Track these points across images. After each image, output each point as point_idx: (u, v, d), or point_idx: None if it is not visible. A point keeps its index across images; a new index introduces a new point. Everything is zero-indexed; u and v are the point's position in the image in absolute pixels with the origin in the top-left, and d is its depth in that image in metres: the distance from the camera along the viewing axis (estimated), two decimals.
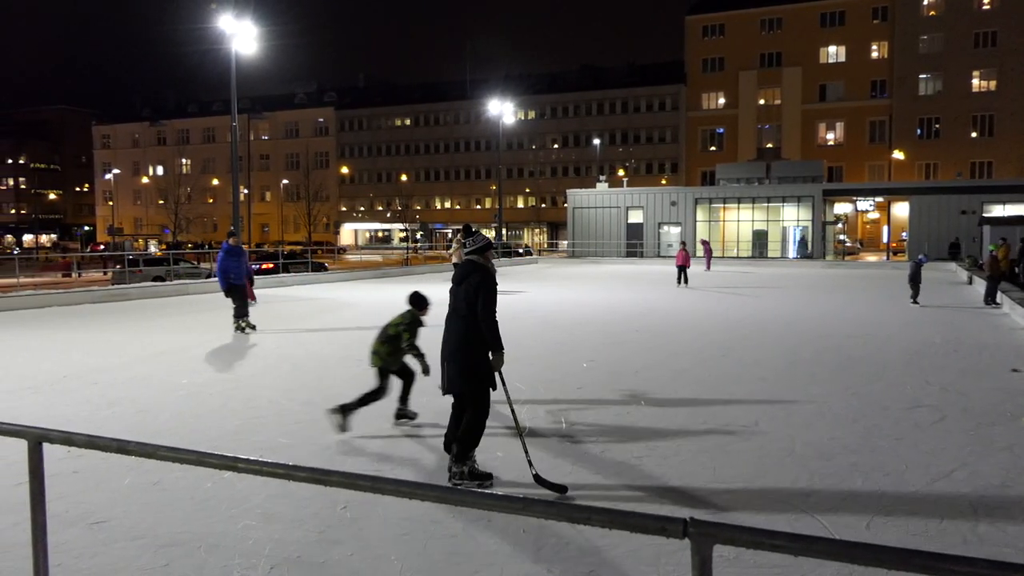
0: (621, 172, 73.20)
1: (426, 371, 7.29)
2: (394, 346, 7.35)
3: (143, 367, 10.64)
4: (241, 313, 14.07)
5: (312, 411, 8.01)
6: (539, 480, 5.56)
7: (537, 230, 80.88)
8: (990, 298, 18.41)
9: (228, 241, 14.33)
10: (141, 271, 28.70)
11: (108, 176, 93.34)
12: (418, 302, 7.63)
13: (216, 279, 14.72)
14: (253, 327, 14.16)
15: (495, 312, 5.71)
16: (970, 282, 25.83)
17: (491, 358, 5.70)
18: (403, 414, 7.67)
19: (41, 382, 9.59)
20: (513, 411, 6.00)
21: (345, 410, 6.98)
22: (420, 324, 7.54)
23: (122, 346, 12.59)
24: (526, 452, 5.76)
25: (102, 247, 73.33)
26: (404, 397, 7.62)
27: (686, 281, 24.88)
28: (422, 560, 4.44)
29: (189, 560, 4.44)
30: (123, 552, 4.55)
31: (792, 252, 45.18)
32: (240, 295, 13.95)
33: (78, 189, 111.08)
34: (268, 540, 4.70)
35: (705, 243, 36.50)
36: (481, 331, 5.66)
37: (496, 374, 5.77)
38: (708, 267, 34.36)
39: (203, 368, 10.55)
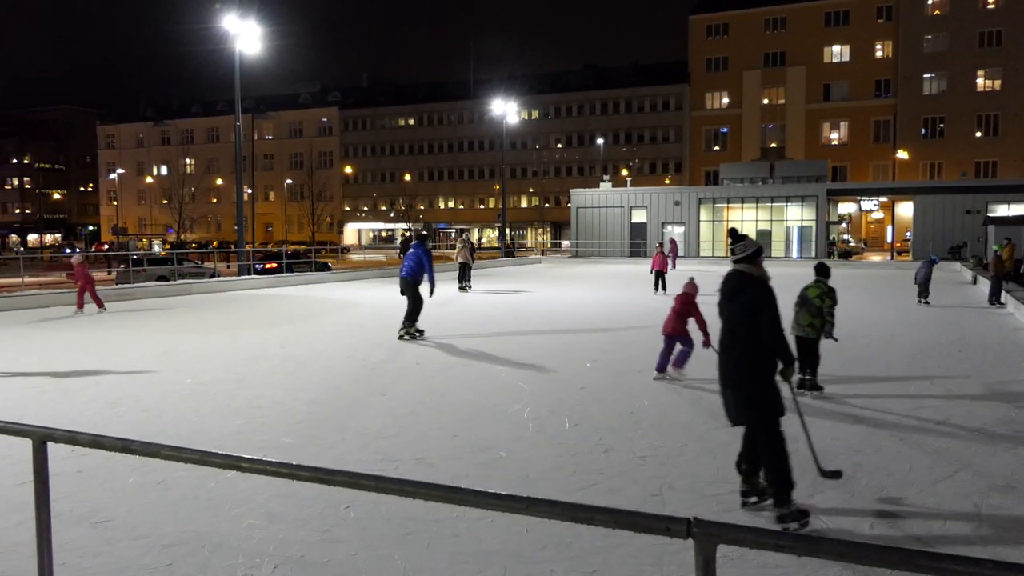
0: (625, 172, 73.15)
1: (829, 334, 8.60)
2: (820, 316, 8.54)
3: (147, 366, 10.66)
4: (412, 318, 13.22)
5: (316, 411, 8.02)
6: (824, 474, 5.44)
7: (540, 230, 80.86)
8: (995, 298, 18.37)
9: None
10: (145, 271, 28.74)
11: (112, 176, 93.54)
12: (825, 271, 8.95)
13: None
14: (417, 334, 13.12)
15: (780, 329, 5.04)
16: (974, 282, 25.77)
17: (781, 372, 5.13)
18: (813, 384, 8.65)
19: (45, 381, 9.62)
20: (801, 417, 5.58)
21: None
22: (833, 290, 8.76)
23: (126, 345, 12.62)
24: (813, 454, 5.48)
25: (106, 247, 73.47)
26: (813, 368, 8.71)
27: (664, 287, 21.62)
28: (425, 560, 4.44)
29: (193, 559, 4.44)
30: (127, 551, 4.56)
31: (795, 252, 45.11)
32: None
33: (82, 189, 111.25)
34: (272, 539, 4.70)
35: (673, 242, 35.73)
36: (761, 355, 5.02)
37: (786, 384, 5.24)
38: (673, 266, 32.57)
39: (207, 367, 10.56)
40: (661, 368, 9.65)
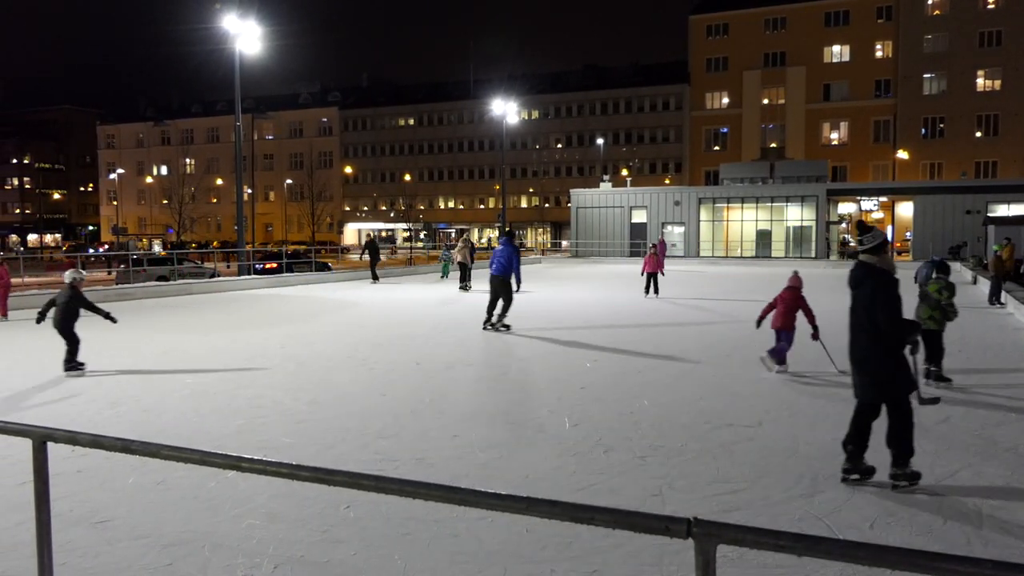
0: (625, 172, 73.16)
1: (950, 318, 8.99)
2: (939, 308, 8.96)
3: (147, 366, 10.66)
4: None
5: (316, 411, 8.02)
6: (923, 401, 6.04)
7: (540, 230, 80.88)
8: (994, 298, 18.37)
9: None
10: (145, 271, 28.73)
11: (112, 176, 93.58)
12: (945, 268, 9.32)
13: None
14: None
15: (899, 321, 5.43)
16: (975, 282, 25.77)
17: (908, 348, 5.59)
18: (938, 377, 9.13)
19: (45, 382, 9.62)
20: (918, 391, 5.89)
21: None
22: (952, 284, 9.18)
23: (126, 345, 12.62)
24: (918, 388, 5.79)
25: (106, 247, 73.48)
26: (937, 360, 9.20)
27: (656, 291, 20.68)
28: (425, 560, 4.44)
29: (193, 559, 4.44)
30: (127, 551, 4.56)
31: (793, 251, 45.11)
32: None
33: (82, 189, 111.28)
34: (272, 539, 4.70)
35: (662, 242, 34.42)
36: (886, 340, 5.44)
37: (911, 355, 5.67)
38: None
39: (207, 367, 10.57)
40: (781, 361, 10.01)
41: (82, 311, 10.16)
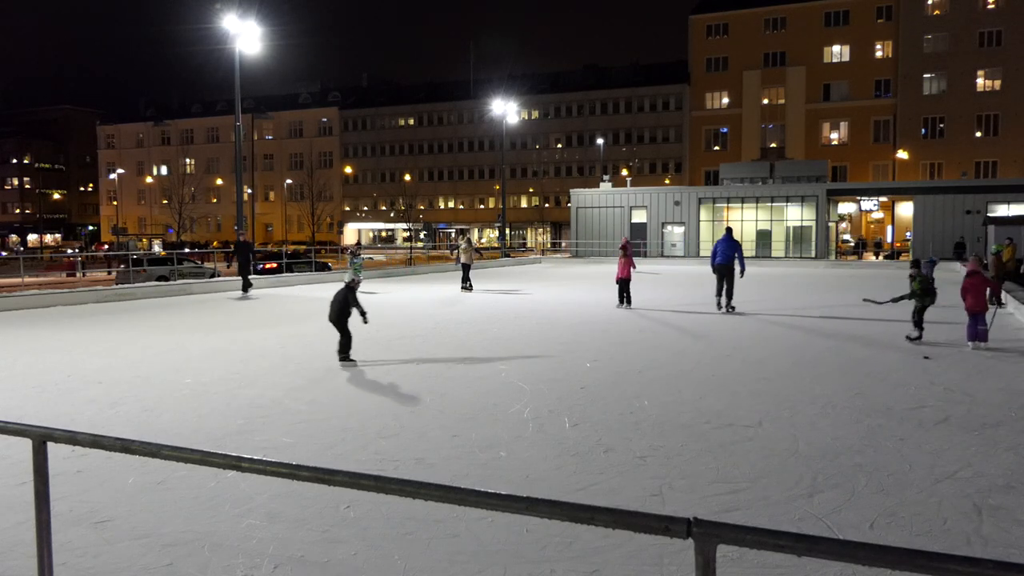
0: (625, 172, 73.16)
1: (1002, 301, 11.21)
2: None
3: (147, 367, 10.66)
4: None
5: (316, 410, 8.02)
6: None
7: (540, 230, 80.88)
8: (995, 298, 18.35)
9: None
10: (145, 271, 28.74)
11: (112, 176, 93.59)
12: (918, 264, 12.57)
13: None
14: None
15: None
16: None
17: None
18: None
19: (45, 382, 9.62)
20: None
21: None
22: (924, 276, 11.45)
23: (126, 346, 12.62)
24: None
25: (106, 247, 73.47)
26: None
27: (628, 301, 18.36)
28: (425, 560, 4.44)
29: (193, 559, 4.44)
30: (127, 551, 4.56)
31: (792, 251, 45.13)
32: None
33: (82, 189, 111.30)
34: (272, 539, 4.70)
35: (626, 242, 33.68)
36: None
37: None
38: (632, 267, 31.42)
39: (207, 368, 10.57)
40: (973, 338, 11.88)
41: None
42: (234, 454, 2.92)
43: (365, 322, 10.91)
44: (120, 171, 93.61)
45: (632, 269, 18.58)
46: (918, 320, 12.47)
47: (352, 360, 10.81)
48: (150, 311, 17.87)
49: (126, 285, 23.67)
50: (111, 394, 8.86)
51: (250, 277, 22.61)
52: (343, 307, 10.80)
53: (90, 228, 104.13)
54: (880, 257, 45.93)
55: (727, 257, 16.83)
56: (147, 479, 5.75)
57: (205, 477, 5.68)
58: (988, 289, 11.98)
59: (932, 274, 18.47)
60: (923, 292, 12.30)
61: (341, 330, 10.84)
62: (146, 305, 19.31)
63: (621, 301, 18.41)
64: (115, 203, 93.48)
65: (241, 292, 22.11)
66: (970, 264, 11.85)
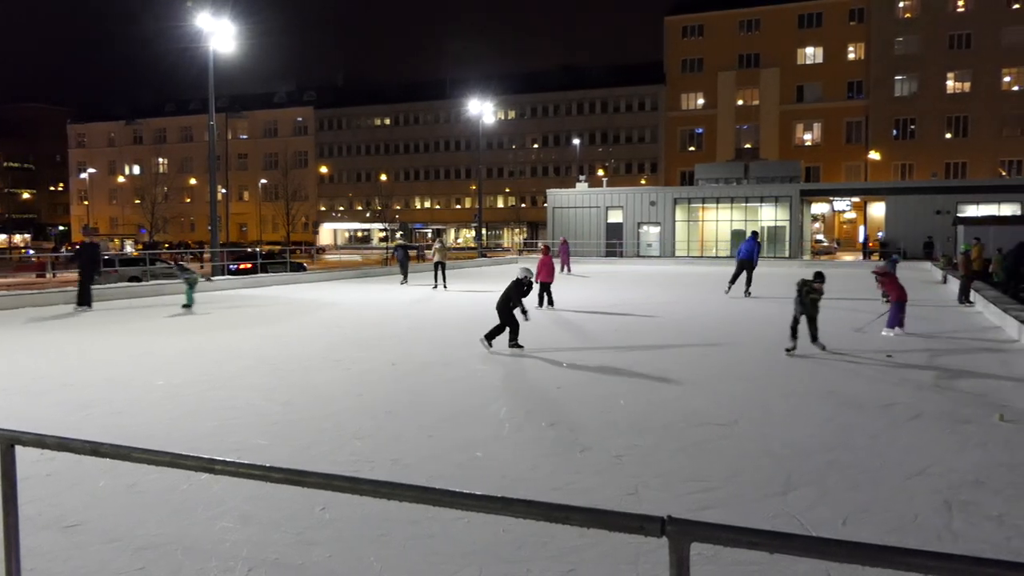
0: (601, 172, 73.31)
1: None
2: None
3: (118, 368, 10.52)
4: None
5: (291, 412, 7.96)
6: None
7: (517, 230, 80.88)
8: (963, 297, 18.64)
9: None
10: (117, 271, 28.34)
11: (83, 175, 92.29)
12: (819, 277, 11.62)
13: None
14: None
15: None
16: (944, 281, 26.14)
17: None
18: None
19: (14, 384, 9.46)
20: None
21: None
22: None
23: (96, 347, 12.45)
24: None
25: (77, 247, 72.45)
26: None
27: (551, 302, 18.00)
28: (401, 561, 4.42)
29: (165, 563, 4.39)
30: (98, 555, 4.50)
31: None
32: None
33: (52, 188, 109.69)
34: (245, 542, 4.66)
35: (564, 241, 33.40)
36: None
37: None
38: (567, 269, 31.13)
39: (180, 369, 10.45)
40: (894, 325, 13.50)
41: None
42: (206, 456, 2.88)
43: (526, 319, 11.85)
44: (91, 170, 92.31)
45: (564, 270, 18.59)
46: (795, 329, 11.42)
47: (520, 345, 11.70)
48: (122, 312, 17.63)
49: (97, 286, 23.32)
50: (81, 396, 8.74)
51: (92, 288, 18.31)
52: (507, 300, 11.69)
53: (60, 228, 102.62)
54: (875, 256, 45.79)
55: (749, 253, 20.94)
56: (118, 482, 5.67)
57: (177, 480, 5.61)
58: (887, 285, 14.00)
59: (895, 272, 18.77)
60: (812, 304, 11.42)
61: (505, 319, 11.68)
62: (118, 306, 19.06)
63: (541, 302, 17.79)
64: (86, 203, 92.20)
65: (76, 304, 17.86)
66: (880, 267, 14.04)
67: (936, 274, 29.18)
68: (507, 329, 11.73)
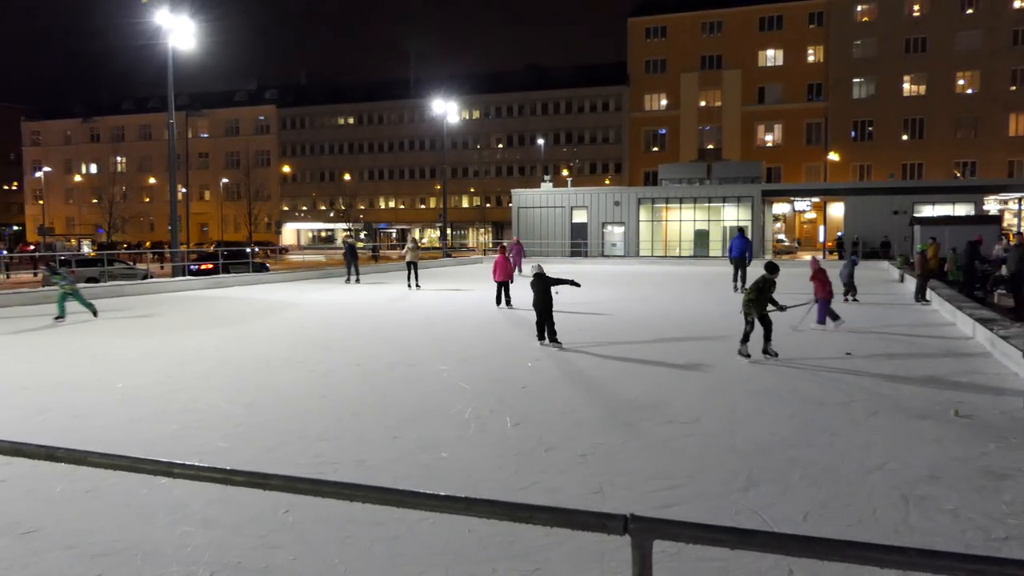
0: (565, 172, 73.49)
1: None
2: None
3: (76, 371, 10.31)
4: None
5: (254, 414, 7.87)
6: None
7: (482, 230, 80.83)
8: (920, 295, 19.02)
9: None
10: (74, 272, 27.77)
11: (38, 174, 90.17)
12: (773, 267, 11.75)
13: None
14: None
15: None
16: (902, 280, 26.65)
17: None
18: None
19: None
20: None
21: None
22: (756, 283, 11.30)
23: (54, 349, 12.19)
24: None
25: (32, 247, 70.90)
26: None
27: (508, 302, 18.24)
28: (366, 563, 4.40)
29: (125, 569, 4.32)
30: (55, 562, 4.41)
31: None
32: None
33: (6, 187, 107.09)
34: (207, 546, 4.60)
35: (517, 242, 32.00)
36: None
37: None
38: (520, 269, 29.86)
39: (140, 371, 10.27)
40: (823, 320, 14.21)
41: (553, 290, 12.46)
42: (165, 460, 2.84)
43: (557, 292, 12.60)
44: (47, 169, 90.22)
45: (516, 271, 18.92)
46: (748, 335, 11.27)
47: (559, 342, 12.15)
48: (79, 314, 17.28)
49: (53, 287, 22.84)
50: (37, 400, 8.55)
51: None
52: (543, 293, 12.20)
53: (14, 228, 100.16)
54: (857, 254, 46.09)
55: (740, 250, 21.74)
56: (76, 487, 5.56)
57: (137, 484, 5.52)
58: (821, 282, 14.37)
59: (854, 272, 19.10)
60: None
61: (544, 317, 12.29)
62: (75, 308, 18.67)
63: (499, 301, 18.32)
64: (41, 202, 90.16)
65: None
66: (812, 264, 14.66)
67: (894, 273, 29.73)
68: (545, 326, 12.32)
